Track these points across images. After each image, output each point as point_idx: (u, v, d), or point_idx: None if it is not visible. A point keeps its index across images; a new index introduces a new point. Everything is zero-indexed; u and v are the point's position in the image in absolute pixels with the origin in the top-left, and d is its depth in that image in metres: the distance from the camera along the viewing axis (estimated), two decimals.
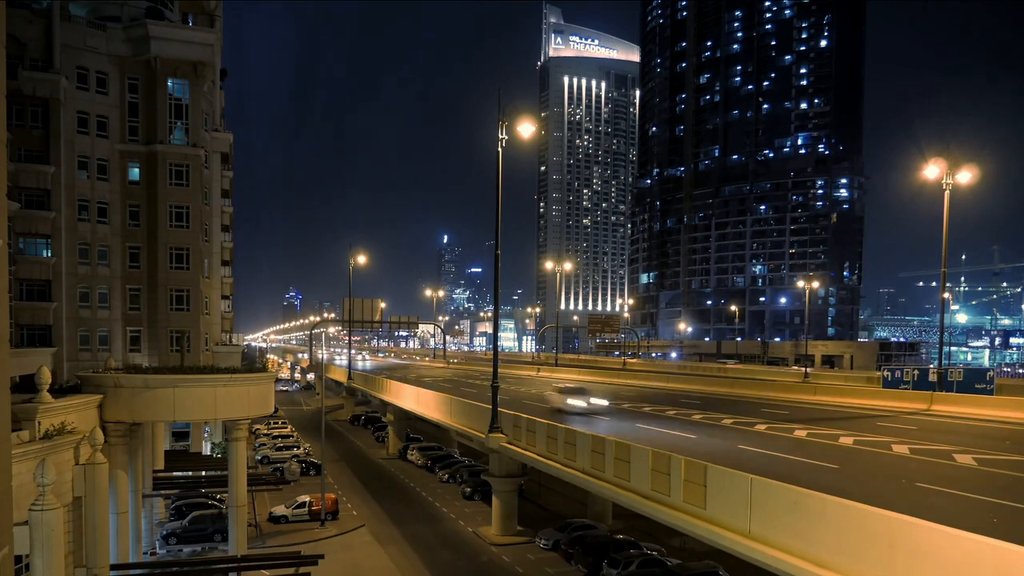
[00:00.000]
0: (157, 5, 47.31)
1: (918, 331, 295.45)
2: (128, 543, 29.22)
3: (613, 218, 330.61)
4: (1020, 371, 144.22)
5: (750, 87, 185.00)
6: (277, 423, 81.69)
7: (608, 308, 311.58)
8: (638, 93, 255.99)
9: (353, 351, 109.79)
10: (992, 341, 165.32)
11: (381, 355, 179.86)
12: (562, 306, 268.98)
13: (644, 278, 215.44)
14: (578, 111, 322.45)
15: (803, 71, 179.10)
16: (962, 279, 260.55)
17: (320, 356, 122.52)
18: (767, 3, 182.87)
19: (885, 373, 53.22)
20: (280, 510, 44.52)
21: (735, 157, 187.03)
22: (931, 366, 57.76)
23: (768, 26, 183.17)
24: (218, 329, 55.97)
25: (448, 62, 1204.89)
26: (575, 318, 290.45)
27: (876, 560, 14.36)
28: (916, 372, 49.63)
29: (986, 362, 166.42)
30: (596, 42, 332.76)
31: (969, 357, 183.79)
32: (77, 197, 43.48)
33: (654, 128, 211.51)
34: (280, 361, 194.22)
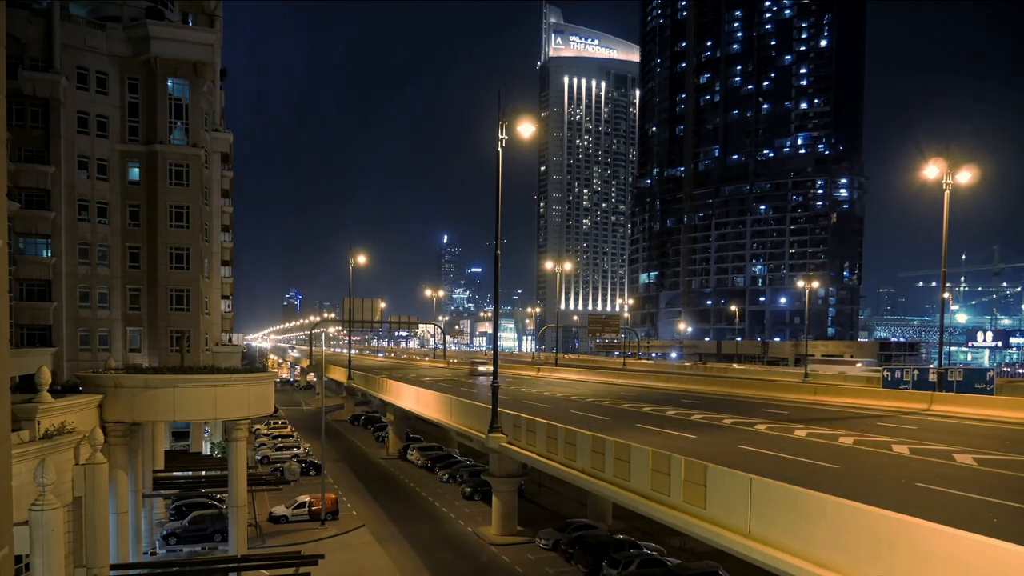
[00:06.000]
0: (157, 5, 47.28)
1: (918, 331, 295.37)
2: (128, 543, 29.22)
3: (613, 218, 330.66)
4: (1020, 371, 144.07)
5: (750, 87, 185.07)
6: (277, 423, 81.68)
7: (608, 308, 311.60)
8: (638, 93, 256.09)
9: (354, 351, 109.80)
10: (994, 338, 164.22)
11: (381, 355, 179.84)
12: (562, 306, 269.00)
13: (644, 278, 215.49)
14: (578, 111, 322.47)
15: (803, 71, 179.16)
16: (962, 279, 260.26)
17: (320, 356, 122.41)
18: (767, 3, 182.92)
19: (885, 373, 53.23)
20: (280, 510, 44.52)
21: (735, 157, 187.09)
22: (931, 366, 57.77)
23: (768, 26, 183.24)
24: (218, 329, 55.96)
25: (448, 62, 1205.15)
26: (575, 318, 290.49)
27: (876, 560, 14.36)
28: (916, 372, 49.65)
29: (986, 362, 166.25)
30: (596, 42, 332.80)
31: (969, 357, 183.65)
32: (77, 197, 43.44)
33: (654, 128, 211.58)
34: (280, 361, 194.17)
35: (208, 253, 51.82)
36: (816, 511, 16.04)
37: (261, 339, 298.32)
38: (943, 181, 41.52)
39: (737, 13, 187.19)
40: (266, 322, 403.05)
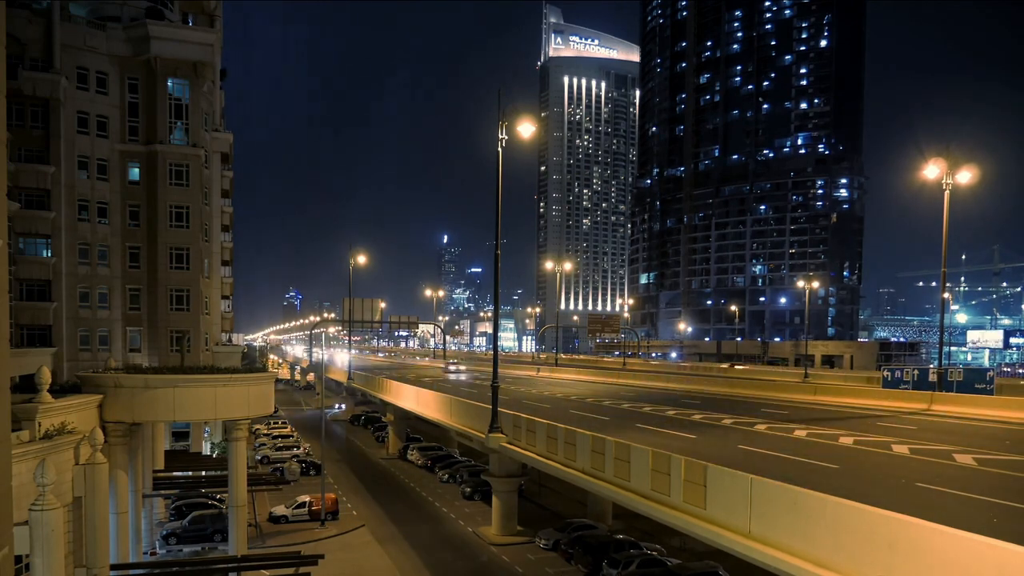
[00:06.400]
0: (157, 5, 47.26)
1: (918, 331, 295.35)
2: (128, 543, 29.22)
3: (613, 218, 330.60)
4: (1020, 371, 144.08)
5: (750, 87, 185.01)
6: (277, 423, 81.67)
7: (608, 308, 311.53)
8: (638, 93, 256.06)
9: (354, 351, 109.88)
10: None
11: (381, 355, 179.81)
12: (562, 306, 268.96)
13: (644, 278, 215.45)
14: (578, 111, 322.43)
15: (803, 71, 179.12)
16: (962, 279, 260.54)
17: (320, 356, 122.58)
18: (767, 3, 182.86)
19: (885, 373, 53.18)
20: (280, 510, 44.52)
21: (735, 157, 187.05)
22: (931, 366, 57.73)
23: (768, 26, 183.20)
24: (218, 329, 55.95)
25: (448, 62, 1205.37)
26: (575, 318, 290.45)
27: (876, 560, 14.37)
28: (916, 372, 49.61)
29: (986, 362, 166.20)
30: (596, 42, 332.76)
31: (969, 357, 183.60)
32: (77, 197, 43.42)
33: (654, 128, 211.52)
34: (280, 361, 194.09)
35: (208, 253, 51.81)
36: (816, 511, 16.05)
37: (261, 339, 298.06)
38: (943, 181, 41.51)
39: (737, 13, 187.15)
40: (266, 322, 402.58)
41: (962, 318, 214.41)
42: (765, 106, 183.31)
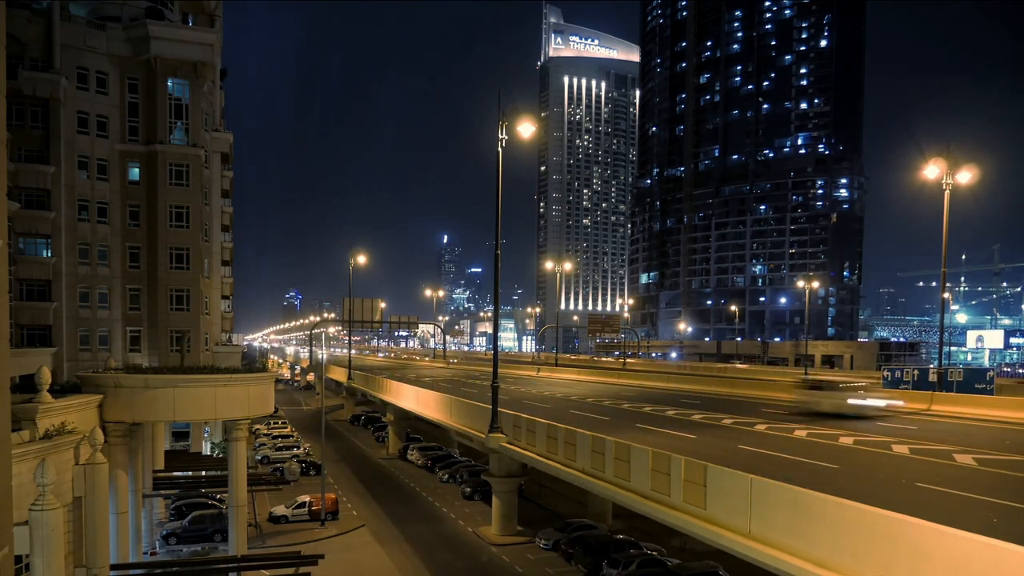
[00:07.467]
0: (157, 5, 47.26)
1: (918, 331, 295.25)
2: (128, 543, 29.23)
3: (613, 218, 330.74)
4: (1020, 371, 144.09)
5: (750, 87, 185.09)
6: (277, 423, 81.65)
7: (608, 308, 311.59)
8: (638, 93, 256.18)
9: (354, 351, 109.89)
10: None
11: (381, 355, 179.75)
12: (562, 306, 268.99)
13: (644, 278, 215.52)
14: (578, 111, 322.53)
15: (803, 71, 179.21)
16: (962, 279, 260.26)
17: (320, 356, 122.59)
18: (767, 3, 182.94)
19: (885, 373, 53.16)
20: (280, 510, 44.51)
21: (735, 157, 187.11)
22: (931, 366, 57.74)
23: (768, 26, 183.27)
24: (218, 329, 55.94)
25: (448, 62, 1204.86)
26: (575, 318, 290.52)
27: (876, 560, 14.37)
28: (916, 372, 49.59)
29: (986, 362, 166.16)
30: (596, 42, 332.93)
31: (969, 357, 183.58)
32: (77, 197, 43.42)
33: (654, 128, 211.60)
34: (280, 361, 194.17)
35: (208, 253, 51.80)
36: (816, 511, 16.05)
37: (261, 339, 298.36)
38: (943, 181, 41.50)
39: (737, 13, 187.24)
40: (266, 322, 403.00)
41: (962, 318, 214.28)
42: (765, 106, 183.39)
